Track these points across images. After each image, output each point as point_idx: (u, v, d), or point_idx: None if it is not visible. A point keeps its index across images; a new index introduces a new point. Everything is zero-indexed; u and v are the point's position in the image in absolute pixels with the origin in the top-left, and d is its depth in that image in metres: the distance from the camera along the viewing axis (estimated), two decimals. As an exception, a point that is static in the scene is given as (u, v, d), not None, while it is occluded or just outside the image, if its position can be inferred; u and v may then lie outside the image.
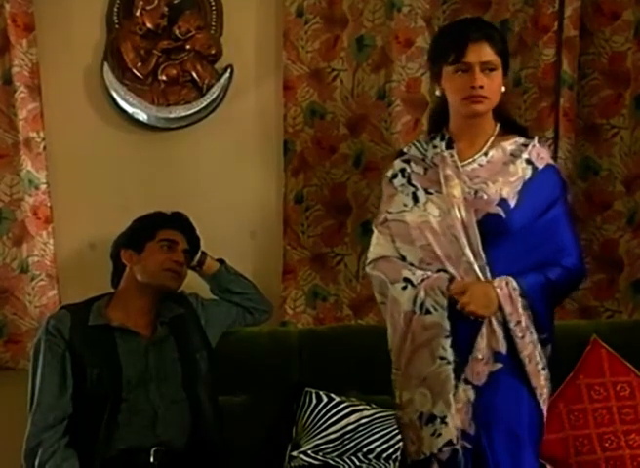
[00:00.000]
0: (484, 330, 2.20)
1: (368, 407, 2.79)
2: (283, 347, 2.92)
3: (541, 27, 2.96)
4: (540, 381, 2.23)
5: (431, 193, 2.29)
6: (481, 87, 2.21)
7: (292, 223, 3.08)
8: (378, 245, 2.37)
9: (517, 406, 2.21)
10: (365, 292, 3.12)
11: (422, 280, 2.24)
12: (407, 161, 2.36)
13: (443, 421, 2.20)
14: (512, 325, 2.20)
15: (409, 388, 2.27)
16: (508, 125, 2.38)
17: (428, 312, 2.22)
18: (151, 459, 2.49)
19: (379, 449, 2.72)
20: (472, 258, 2.21)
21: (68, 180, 3.06)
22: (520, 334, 2.20)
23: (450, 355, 2.20)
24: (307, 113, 3.07)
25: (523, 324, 2.20)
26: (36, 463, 2.50)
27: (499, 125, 2.34)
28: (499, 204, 2.23)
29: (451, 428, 2.19)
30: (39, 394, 2.56)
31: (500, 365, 2.20)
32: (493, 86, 2.24)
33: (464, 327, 2.20)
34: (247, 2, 3.11)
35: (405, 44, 3.01)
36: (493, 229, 2.23)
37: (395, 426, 2.69)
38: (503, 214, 2.22)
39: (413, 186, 2.31)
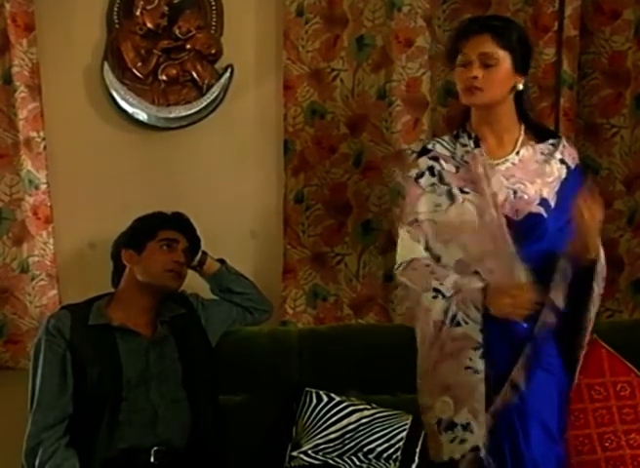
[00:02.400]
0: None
1: (368, 406, 2.79)
2: (283, 347, 2.92)
3: (542, 27, 2.96)
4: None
5: (467, 192, 2.27)
6: (475, 77, 2.23)
7: (292, 223, 3.08)
8: (405, 247, 2.34)
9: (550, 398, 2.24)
10: (365, 291, 3.13)
11: (455, 293, 2.22)
12: (435, 158, 2.33)
13: (466, 429, 2.20)
14: None
15: (431, 395, 2.28)
16: (534, 128, 2.37)
17: (459, 324, 2.22)
18: (152, 459, 2.49)
19: (379, 449, 2.71)
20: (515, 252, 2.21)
21: (68, 180, 3.06)
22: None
23: (479, 365, 2.20)
24: (307, 113, 3.07)
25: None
26: (36, 463, 2.49)
27: (523, 126, 2.34)
28: (540, 204, 2.24)
29: (477, 435, 2.19)
30: (39, 394, 2.55)
31: None
32: (490, 78, 2.24)
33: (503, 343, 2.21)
34: (247, 2, 3.10)
35: (405, 44, 3.01)
36: (532, 229, 2.24)
37: (395, 426, 2.70)
38: (545, 214, 2.23)
39: (446, 185, 2.30)
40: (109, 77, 3.01)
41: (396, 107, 3.03)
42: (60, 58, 3.04)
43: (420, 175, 2.33)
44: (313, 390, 2.81)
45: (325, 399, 2.79)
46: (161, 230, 2.73)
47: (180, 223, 2.78)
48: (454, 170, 2.31)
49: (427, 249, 2.30)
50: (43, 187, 3.00)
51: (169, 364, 2.61)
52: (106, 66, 3.02)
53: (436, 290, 2.24)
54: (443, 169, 2.31)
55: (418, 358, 2.32)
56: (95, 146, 3.07)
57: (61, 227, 3.04)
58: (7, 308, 3.01)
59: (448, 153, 2.33)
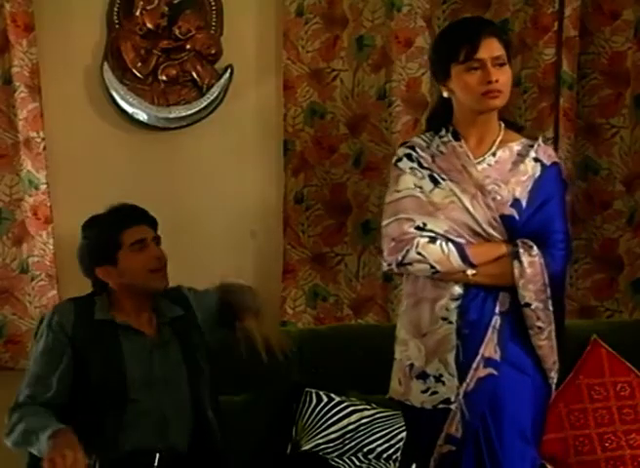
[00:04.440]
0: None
1: (368, 407, 2.79)
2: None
3: (541, 27, 2.97)
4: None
5: (446, 180, 2.26)
6: (496, 81, 2.21)
7: (292, 223, 3.08)
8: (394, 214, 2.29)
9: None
10: (365, 291, 3.13)
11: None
12: (411, 148, 2.32)
13: (438, 380, 2.20)
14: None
15: (408, 332, 2.27)
16: (506, 122, 2.39)
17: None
18: (155, 463, 2.48)
19: (379, 449, 2.72)
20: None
21: (68, 180, 3.05)
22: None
23: (453, 316, 2.20)
24: (307, 113, 3.07)
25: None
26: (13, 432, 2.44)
27: (503, 124, 2.35)
28: (512, 205, 2.23)
29: (449, 387, 2.18)
30: (32, 366, 2.51)
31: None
32: (505, 80, 2.24)
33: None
34: (247, 2, 3.10)
35: (405, 44, 3.01)
36: (505, 229, 2.23)
37: (395, 426, 2.70)
38: (517, 216, 2.23)
39: (426, 169, 2.27)
40: (109, 77, 3.01)
41: (396, 107, 3.03)
42: (60, 59, 3.03)
43: (399, 160, 2.31)
44: (313, 390, 2.81)
45: (325, 399, 2.79)
46: (123, 234, 2.54)
47: (132, 215, 2.59)
48: (430, 159, 2.29)
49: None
50: (43, 187, 2.99)
51: (173, 366, 2.56)
52: (106, 66, 3.01)
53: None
54: (420, 156, 2.31)
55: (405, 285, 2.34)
56: (94, 146, 3.07)
57: (61, 227, 3.03)
58: (6, 308, 3.01)
59: (424, 144, 2.32)
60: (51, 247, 3.02)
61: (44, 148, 2.99)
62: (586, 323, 2.99)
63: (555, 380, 2.24)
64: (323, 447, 2.71)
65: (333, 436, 2.73)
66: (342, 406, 2.78)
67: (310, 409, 2.78)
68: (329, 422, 2.75)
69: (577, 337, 2.84)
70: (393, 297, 3.11)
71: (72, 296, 2.67)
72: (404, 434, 2.64)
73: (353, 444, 2.72)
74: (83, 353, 2.50)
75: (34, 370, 2.50)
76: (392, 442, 2.71)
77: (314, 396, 2.79)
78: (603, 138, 3.04)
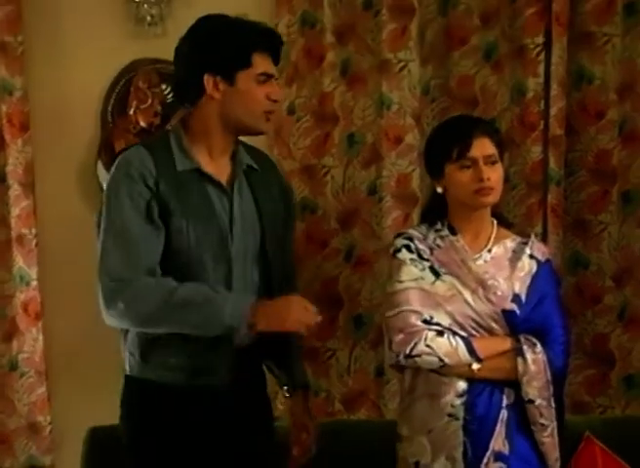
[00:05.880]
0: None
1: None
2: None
3: (528, 125, 3.01)
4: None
5: (444, 273, 2.30)
6: (488, 179, 2.27)
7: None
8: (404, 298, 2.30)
9: None
10: (356, 386, 3.11)
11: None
12: (409, 238, 2.36)
13: None
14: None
15: (410, 428, 2.30)
16: (498, 219, 2.43)
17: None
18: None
19: None
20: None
21: (60, 277, 3.06)
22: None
23: (460, 412, 2.22)
24: (299, 208, 3.08)
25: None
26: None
27: (495, 221, 2.38)
28: (513, 300, 2.28)
29: None
30: (126, 230, 2.13)
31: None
32: (497, 178, 2.30)
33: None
34: (239, 101, 3.15)
35: (395, 141, 3.05)
36: (505, 325, 2.27)
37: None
38: (518, 311, 2.26)
39: (426, 260, 2.31)
40: (103, 174, 3.03)
41: (386, 203, 3.06)
42: (55, 156, 3.06)
43: (397, 250, 2.35)
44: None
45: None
46: (257, 54, 2.19)
47: (274, 44, 2.25)
48: (428, 251, 2.33)
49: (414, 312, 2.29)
50: (34, 284, 3.00)
51: (251, 225, 2.26)
52: (100, 164, 3.04)
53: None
54: (418, 248, 2.34)
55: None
56: (87, 243, 3.02)
57: (52, 324, 3.03)
58: (-6, 407, 2.98)
59: (420, 236, 2.36)
60: (40, 343, 3.01)
61: (36, 245, 3.00)
62: (579, 419, 2.96)
63: None
64: None
65: None
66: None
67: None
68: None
69: (570, 433, 2.79)
70: (385, 392, 3.09)
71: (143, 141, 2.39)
72: None
73: None
74: (170, 213, 2.16)
75: (133, 232, 2.13)
76: None
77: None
78: (592, 234, 3.06)
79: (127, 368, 2.27)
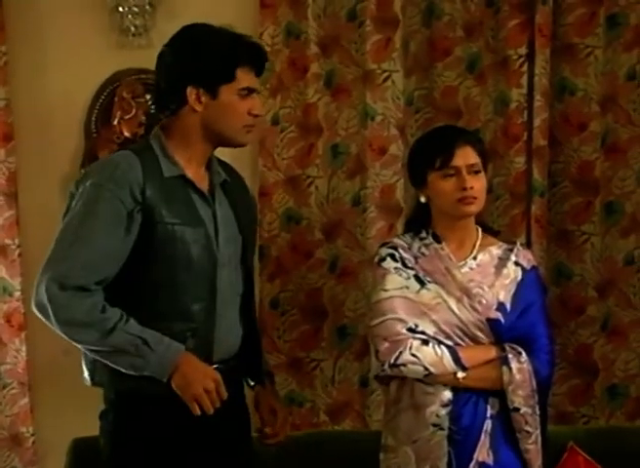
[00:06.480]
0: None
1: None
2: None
3: (512, 136, 3.03)
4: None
5: (429, 281, 2.31)
6: (471, 188, 2.28)
7: (268, 328, 3.07)
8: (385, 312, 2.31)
9: None
10: (341, 397, 3.11)
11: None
12: (394, 248, 2.36)
13: None
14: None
15: (395, 439, 2.30)
16: (483, 227, 2.44)
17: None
18: None
19: None
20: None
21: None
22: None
23: (445, 422, 2.22)
24: (283, 219, 3.10)
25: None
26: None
27: (480, 229, 2.39)
28: (497, 308, 2.28)
29: None
30: (89, 233, 2.09)
31: None
32: (480, 187, 2.31)
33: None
34: (223, 111, 3.15)
35: (379, 152, 3.06)
36: (490, 333, 2.28)
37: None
38: (502, 320, 2.27)
39: (411, 269, 2.32)
40: (86, 184, 3.03)
41: (370, 213, 3.07)
42: (38, 166, 3.06)
43: (382, 259, 2.35)
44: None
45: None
46: (240, 69, 2.19)
47: (259, 59, 2.24)
48: (413, 260, 2.34)
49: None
50: (17, 294, 3.00)
51: (232, 233, 2.29)
52: (83, 174, 3.04)
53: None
54: (403, 257, 2.34)
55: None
56: (70, 254, 3.06)
57: (35, 335, 3.01)
58: (-24, 418, 2.97)
59: (405, 244, 2.37)
60: (24, 354, 2.99)
61: (19, 255, 2.99)
62: (563, 429, 2.97)
63: None
64: None
65: None
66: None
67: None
68: None
69: (554, 444, 2.80)
70: (370, 403, 3.09)
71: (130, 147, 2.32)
72: None
73: None
74: (157, 219, 2.15)
75: (98, 243, 2.10)
76: None
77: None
78: (575, 245, 3.07)
79: (100, 379, 2.27)
